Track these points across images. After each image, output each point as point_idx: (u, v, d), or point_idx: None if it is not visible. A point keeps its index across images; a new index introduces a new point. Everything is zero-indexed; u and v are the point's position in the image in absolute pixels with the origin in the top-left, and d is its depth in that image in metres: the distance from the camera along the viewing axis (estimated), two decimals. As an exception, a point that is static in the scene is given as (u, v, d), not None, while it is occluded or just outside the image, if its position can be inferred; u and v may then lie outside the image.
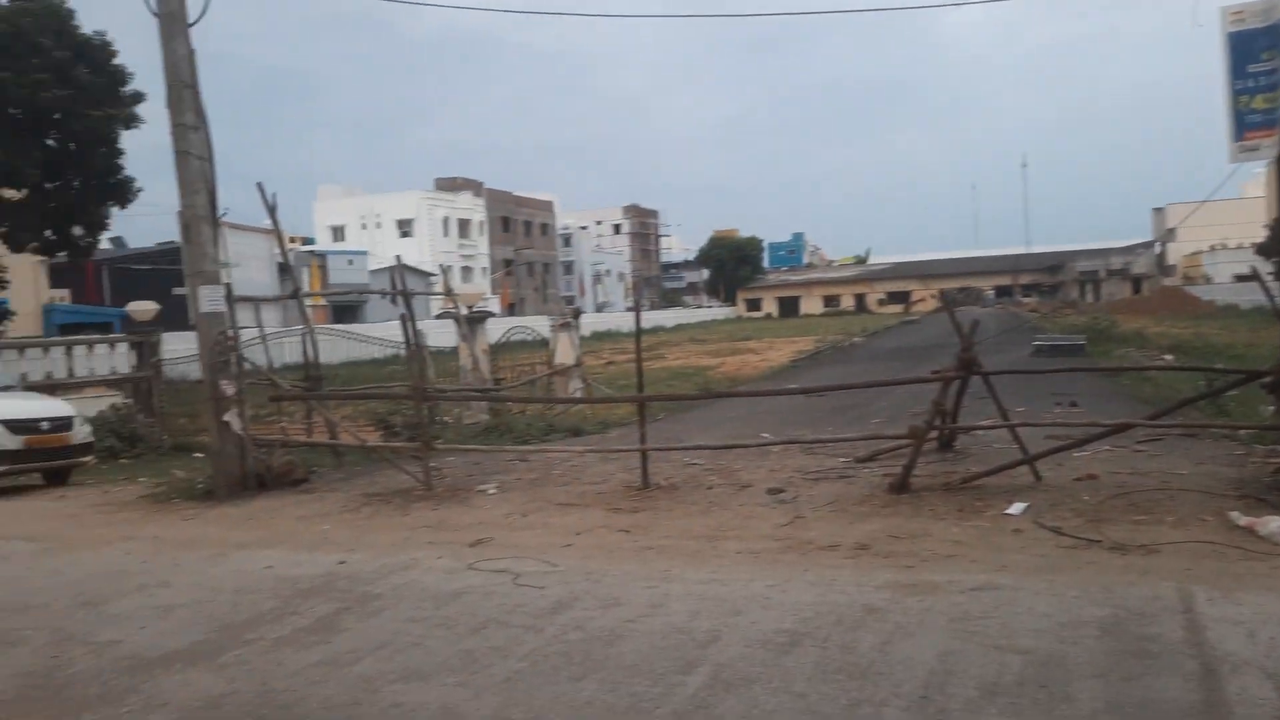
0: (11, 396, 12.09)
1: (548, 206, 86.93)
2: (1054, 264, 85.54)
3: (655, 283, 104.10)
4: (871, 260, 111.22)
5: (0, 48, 17.47)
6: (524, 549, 6.72)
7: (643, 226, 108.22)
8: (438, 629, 5.01)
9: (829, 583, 5.47)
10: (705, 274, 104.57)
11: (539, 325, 20.23)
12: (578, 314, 19.36)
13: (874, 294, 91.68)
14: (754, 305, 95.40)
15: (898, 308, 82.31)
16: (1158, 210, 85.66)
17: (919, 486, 7.75)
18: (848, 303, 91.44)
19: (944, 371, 8.17)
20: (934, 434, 8.51)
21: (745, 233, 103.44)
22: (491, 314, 19.79)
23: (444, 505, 8.55)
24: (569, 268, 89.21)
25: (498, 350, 17.99)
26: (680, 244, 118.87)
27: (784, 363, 27.67)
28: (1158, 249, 79.95)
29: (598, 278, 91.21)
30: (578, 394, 16.01)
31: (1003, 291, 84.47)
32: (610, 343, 43.13)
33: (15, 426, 11.05)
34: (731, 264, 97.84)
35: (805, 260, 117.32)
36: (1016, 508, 6.97)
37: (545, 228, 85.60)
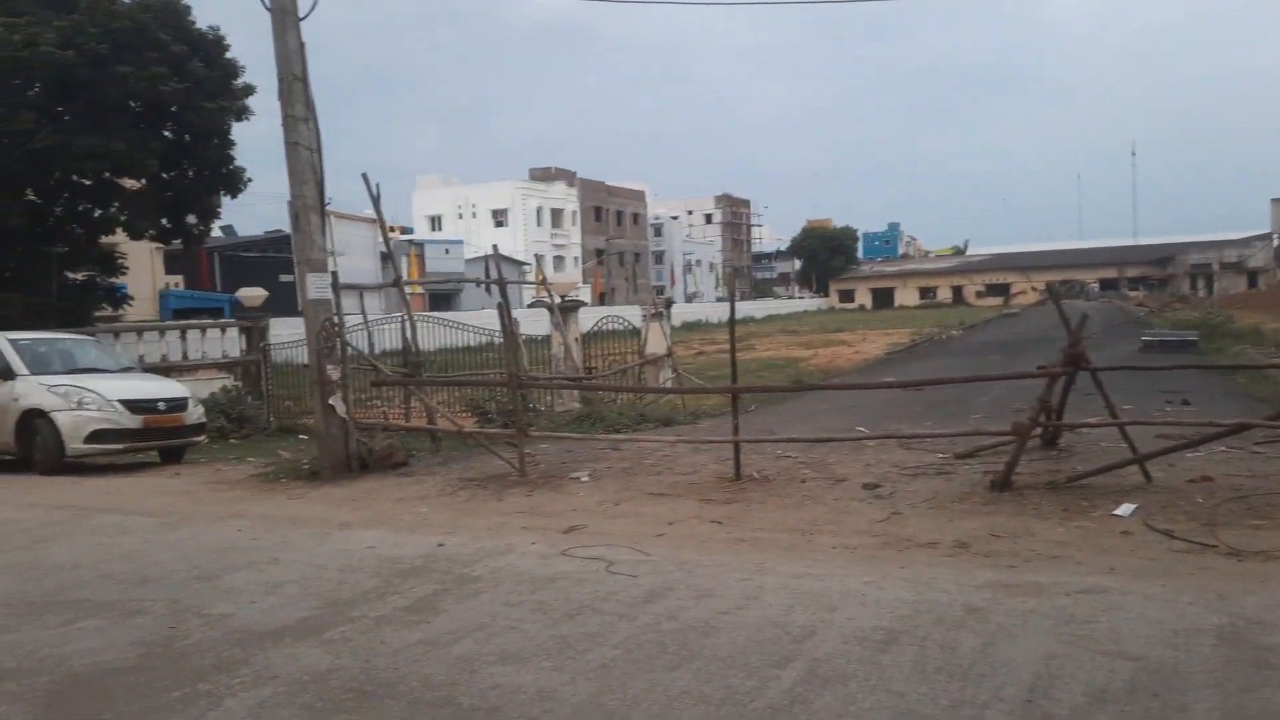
0: (131, 378, 12.70)
1: (639, 196, 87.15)
2: (1163, 256, 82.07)
3: (746, 273, 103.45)
4: (970, 251, 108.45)
5: (123, 44, 18.26)
6: (616, 537, 6.77)
7: (734, 216, 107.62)
8: (533, 613, 5.08)
9: (927, 581, 5.36)
10: (797, 264, 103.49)
11: (630, 315, 20.31)
12: (669, 304, 19.37)
13: (972, 286, 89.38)
14: (847, 296, 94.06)
15: (997, 300, 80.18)
16: (1277, 201, 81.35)
17: (1021, 485, 7.54)
18: (944, 295, 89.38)
19: (1050, 367, 7.92)
20: (1038, 431, 8.27)
21: (839, 222, 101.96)
22: (583, 303, 19.95)
23: (538, 491, 8.67)
24: (659, 257, 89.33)
25: (589, 339, 18.13)
26: (772, 234, 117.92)
27: (878, 355, 27.22)
28: (1276, 241, 75.95)
29: (688, 268, 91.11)
30: (669, 384, 16.02)
31: (1108, 285, 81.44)
32: (700, 333, 43.08)
33: (134, 406, 11.61)
34: (824, 254, 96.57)
35: (900, 251, 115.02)
36: (1125, 509, 6.72)
37: (636, 217, 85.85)
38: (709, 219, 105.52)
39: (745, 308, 66.53)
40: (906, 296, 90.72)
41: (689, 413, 14.12)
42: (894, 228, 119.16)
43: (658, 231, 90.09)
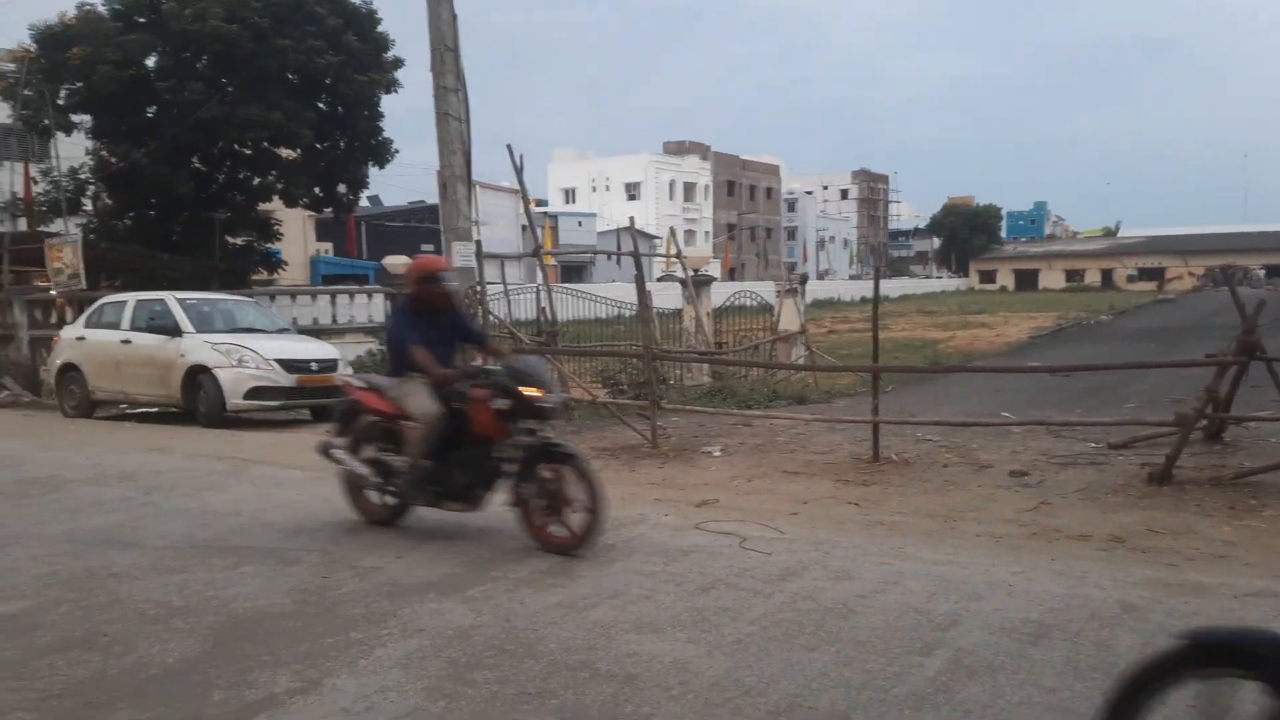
0: (286, 339, 13.33)
1: (773, 170, 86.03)
2: (1342, 241, 75.87)
3: (882, 250, 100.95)
4: (1122, 233, 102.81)
5: (283, 17, 19.11)
6: (749, 513, 6.72)
7: (871, 192, 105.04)
8: (667, 584, 5.09)
9: (1079, 574, 5.11)
10: (936, 242, 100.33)
11: (761, 290, 20.11)
12: (804, 280, 19.08)
13: (1123, 269, 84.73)
14: (988, 277, 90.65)
15: (1150, 285, 75.76)
16: None
17: (1182, 479, 7.11)
18: (1092, 278, 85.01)
19: (1221, 355, 7.41)
20: (1203, 423, 7.77)
21: (982, 200, 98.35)
22: (714, 278, 19.85)
23: (670, 464, 8.68)
24: (792, 233, 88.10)
25: (720, 314, 18.04)
26: (911, 210, 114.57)
27: (1020, 339, 26.14)
28: None
29: (821, 244, 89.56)
30: (801, 362, 15.80)
31: (1275, 271, 75.88)
32: (832, 311, 42.33)
33: (289, 366, 12.19)
34: (965, 233, 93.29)
35: (1047, 231, 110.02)
36: (1301, 511, 6.26)
37: (770, 192, 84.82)
38: (844, 194, 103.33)
39: (881, 286, 64.94)
40: (1051, 279, 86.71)
41: (823, 391, 13.90)
42: (1040, 207, 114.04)
43: (791, 207, 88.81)
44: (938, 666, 3.92)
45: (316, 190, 22.36)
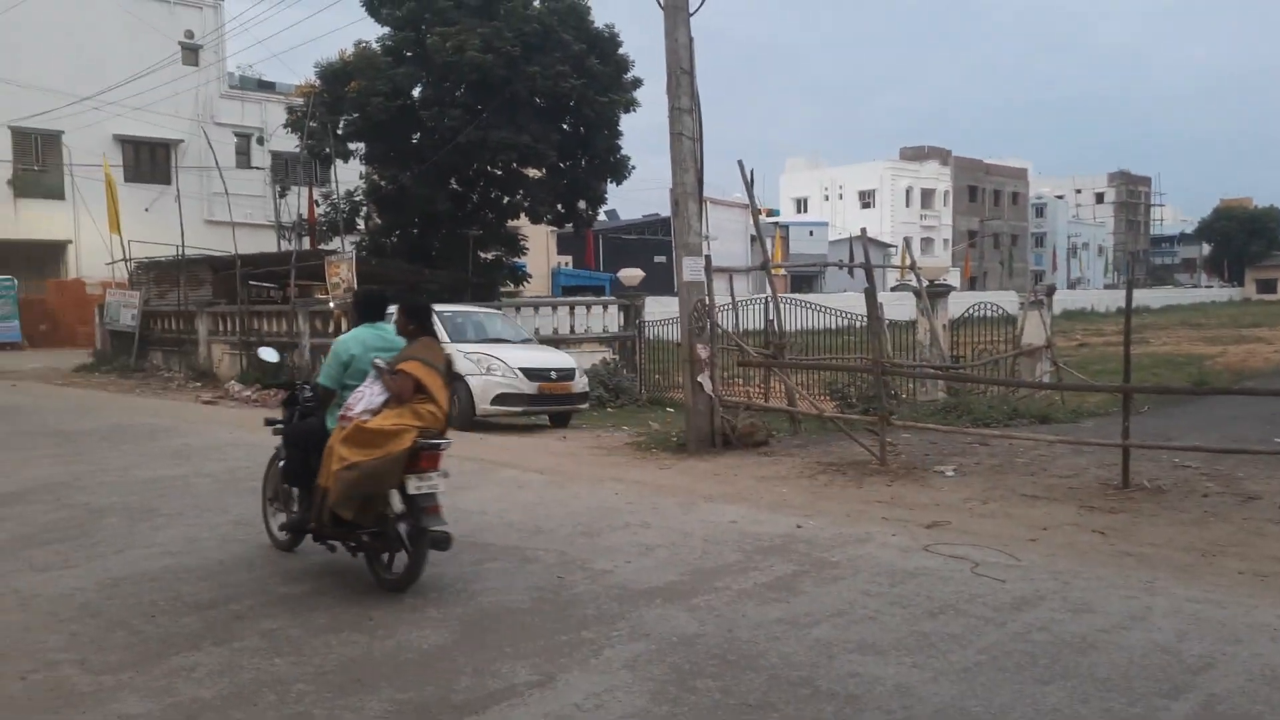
0: (528, 348, 14.14)
1: (1020, 174, 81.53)
2: None
3: (1143, 258, 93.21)
4: None
5: (532, 45, 20.30)
6: (982, 537, 6.49)
7: (1130, 195, 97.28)
8: (892, 606, 5.04)
9: (1364, 626, 4.60)
10: (1205, 249, 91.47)
11: (1004, 301, 19.15)
12: (1050, 291, 18.00)
13: None
14: (1267, 287, 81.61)
15: None
16: None
17: None
18: (1401, 287, 74.61)
19: None
20: None
21: (1260, 202, 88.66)
22: (952, 288, 19.13)
23: (898, 482, 8.51)
24: (1040, 240, 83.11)
25: (958, 326, 17.36)
26: (1175, 214, 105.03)
27: (1306, 356, 23.39)
28: None
29: (1073, 251, 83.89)
30: (1046, 378, 14.94)
31: None
32: (1083, 323, 39.63)
33: (531, 374, 12.93)
34: (1241, 238, 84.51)
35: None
36: None
37: (1016, 197, 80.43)
38: (1100, 198, 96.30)
39: (1140, 296, 59.88)
40: (1348, 288, 76.88)
41: (1069, 410, 13.08)
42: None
43: (1039, 212, 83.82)
44: (1186, 711, 3.68)
45: (559, 206, 23.56)
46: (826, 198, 73.10)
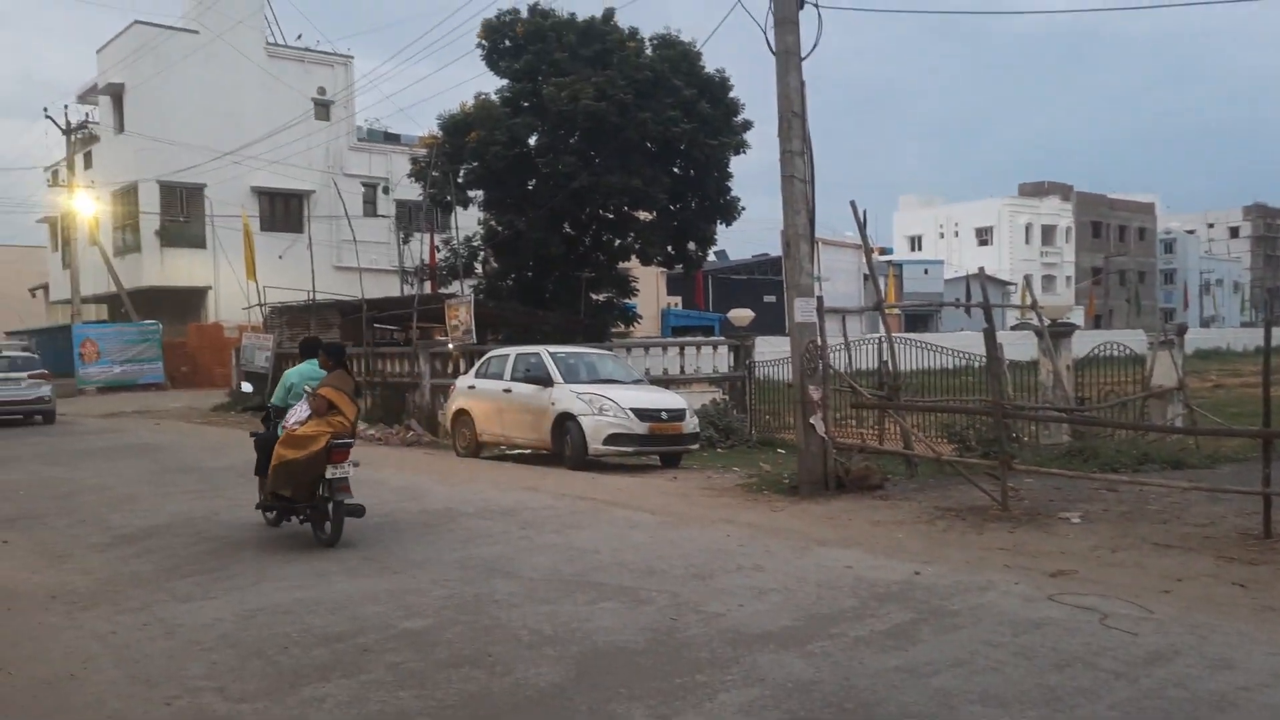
0: (639, 389, 14.28)
1: (1147, 209, 78.37)
2: None
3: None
4: None
5: (644, 91, 20.74)
6: (1111, 587, 6.24)
7: (1267, 229, 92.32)
8: (1016, 657, 4.89)
9: None
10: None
11: (1131, 340, 18.39)
12: (1182, 331, 17.21)
13: None
14: None
15: None
16: None
17: None
18: None
19: None
20: None
21: None
22: (1075, 327, 18.46)
23: (1021, 528, 8.25)
24: (1169, 277, 79.52)
25: (1082, 366, 16.73)
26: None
27: None
28: None
29: (1205, 288, 79.90)
30: (1178, 421, 14.25)
31: None
32: (1218, 363, 37.62)
33: (642, 414, 13.05)
34: (1397, 271, 79.06)
35: None
36: None
37: (1143, 232, 77.29)
38: (1234, 233, 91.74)
39: (1274, 334, 56.54)
40: None
41: (1204, 456, 12.44)
42: None
43: (1168, 248, 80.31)
44: (1341, 783, 3.45)
45: (669, 248, 23.84)
46: (942, 235, 71.70)
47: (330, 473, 7.68)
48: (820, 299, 10.70)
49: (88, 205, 35.98)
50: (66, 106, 37.55)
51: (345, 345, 9.82)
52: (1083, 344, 17.84)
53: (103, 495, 11.00)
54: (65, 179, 36.30)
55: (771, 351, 19.12)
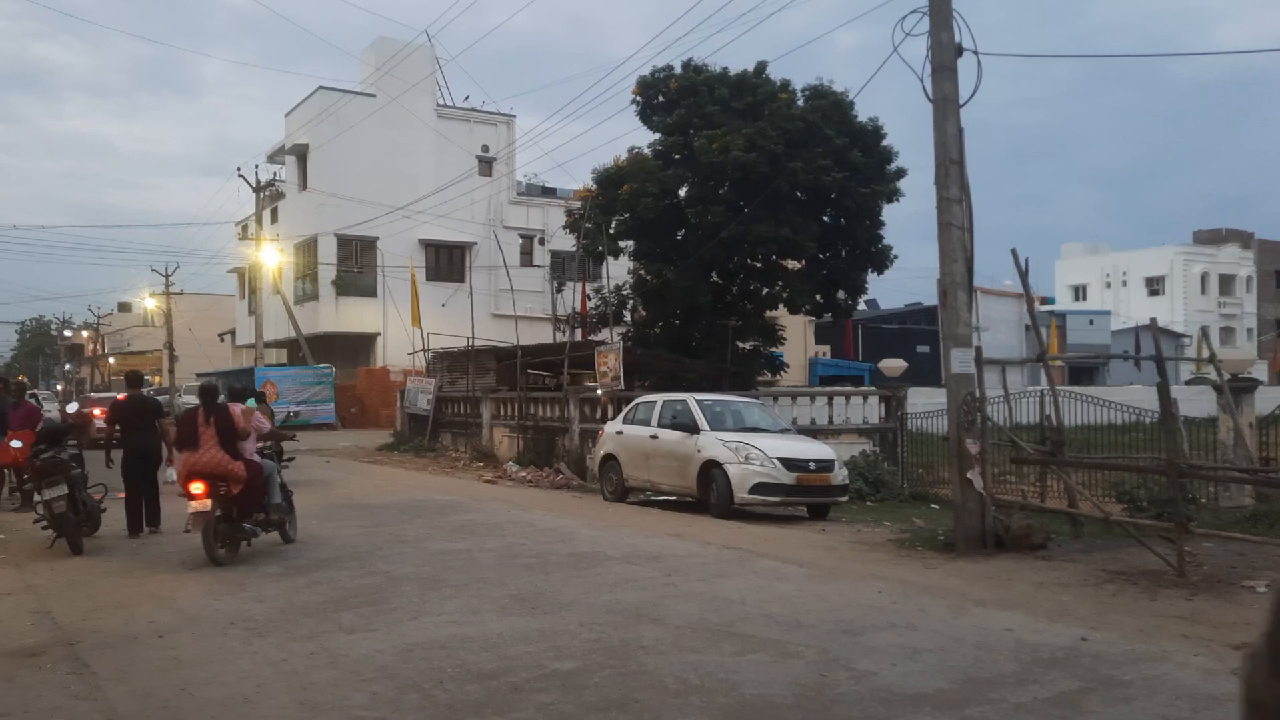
0: (787, 438, 14.14)
1: (1342, 255, 72.34)
2: None
3: None
4: None
5: (794, 141, 20.80)
6: (1307, 666, 5.71)
7: None
8: (1196, 735, 4.55)
9: None
10: None
11: (1328, 398, 16.97)
12: (1387, 387, 15.75)
13: None
14: None
15: None
16: None
17: None
18: None
19: None
20: None
21: None
22: (1259, 382, 17.17)
23: (1199, 596, 7.70)
24: (1370, 328, 72.87)
25: (1267, 425, 15.53)
26: None
27: None
28: None
29: None
30: (1384, 486, 12.98)
31: None
32: None
33: (790, 464, 12.91)
34: None
35: None
36: None
37: (1338, 281, 71.30)
38: None
39: None
40: None
41: None
42: None
43: (1368, 297, 73.68)
44: None
45: (818, 297, 23.65)
46: (1108, 285, 68.21)
47: None
48: (979, 349, 10.37)
49: (272, 257, 38.77)
50: (257, 166, 40.81)
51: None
52: (1267, 401, 16.61)
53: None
54: (254, 233, 39.31)
55: (924, 403, 18.61)
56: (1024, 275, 11.23)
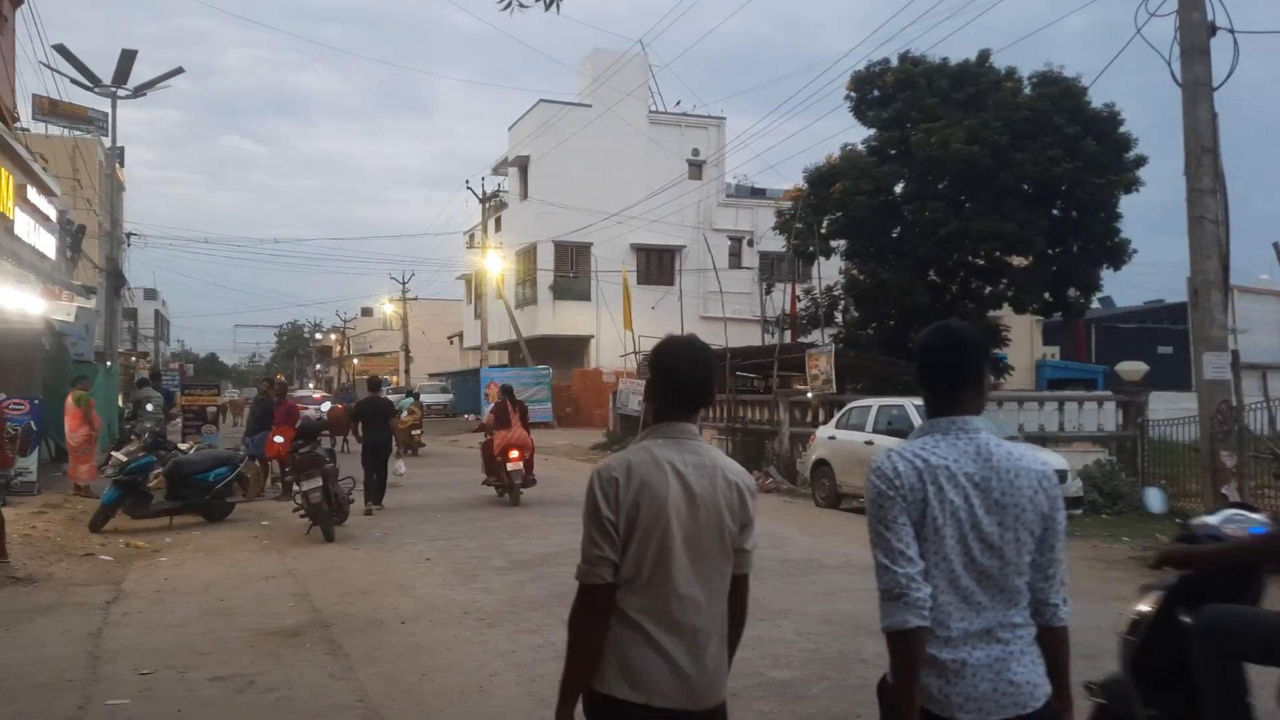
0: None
1: None
2: None
3: None
4: None
5: (1020, 132, 19.68)
6: None
7: None
8: None
9: None
10: None
11: None
12: None
13: None
14: None
15: None
16: None
17: None
18: None
19: None
20: None
21: None
22: None
23: None
24: None
25: None
26: None
27: None
28: None
29: None
30: None
31: None
32: None
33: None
34: None
35: None
36: None
37: None
38: None
39: None
40: None
41: None
42: None
43: None
44: None
45: (1046, 295, 22.28)
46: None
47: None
48: (1235, 354, 9.47)
49: (496, 264, 40.87)
50: (483, 178, 43.18)
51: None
52: None
53: (503, 522, 12.31)
54: (479, 241, 41.45)
55: (1168, 409, 17.16)
56: (1291, 271, 10.15)
